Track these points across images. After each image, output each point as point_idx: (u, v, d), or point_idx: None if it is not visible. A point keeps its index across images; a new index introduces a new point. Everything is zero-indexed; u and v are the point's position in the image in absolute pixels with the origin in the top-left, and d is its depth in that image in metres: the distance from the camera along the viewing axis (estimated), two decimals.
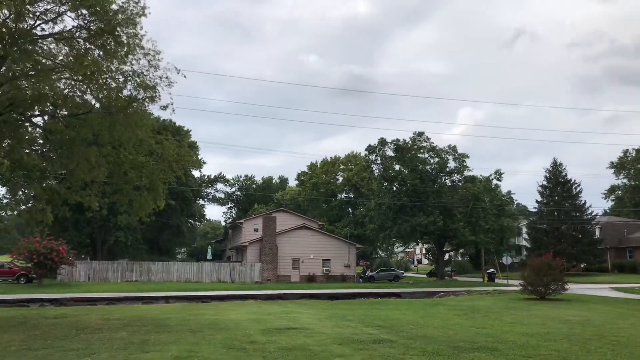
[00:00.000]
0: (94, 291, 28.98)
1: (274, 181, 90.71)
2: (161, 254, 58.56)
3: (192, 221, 68.15)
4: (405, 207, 46.88)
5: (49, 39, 13.56)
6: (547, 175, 55.71)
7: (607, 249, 55.75)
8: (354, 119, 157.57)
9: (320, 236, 47.27)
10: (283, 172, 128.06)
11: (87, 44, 13.57)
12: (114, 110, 13.65)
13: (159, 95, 14.39)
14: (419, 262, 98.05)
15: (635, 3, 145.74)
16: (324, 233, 49.38)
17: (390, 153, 49.35)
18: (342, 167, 73.72)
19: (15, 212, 16.03)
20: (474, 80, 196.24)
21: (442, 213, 45.52)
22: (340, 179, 72.74)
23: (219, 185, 76.14)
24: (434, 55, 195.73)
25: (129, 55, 13.67)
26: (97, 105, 14.38)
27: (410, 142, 48.75)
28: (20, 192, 15.45)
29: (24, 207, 15.68)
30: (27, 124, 14.79)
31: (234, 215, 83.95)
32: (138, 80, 14.05)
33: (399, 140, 48.67)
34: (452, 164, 49.75)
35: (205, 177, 70.45)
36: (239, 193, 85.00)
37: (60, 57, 13.72)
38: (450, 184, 50.48)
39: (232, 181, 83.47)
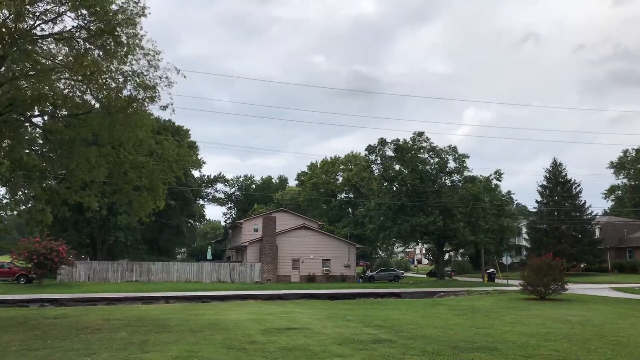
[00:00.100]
0: (93, 291, 28.99)
1: (273, 181, 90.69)
2: (161, 254, 58.57)
3: (192, 221, 68.15)
4: (405, 207, 46.89)
5: (49, 39, 13.56)
6: (547, 175, 55.71)
7: (607, 249, 55.75)
8: (360, 119, 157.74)
9: (320, 236, 47.27)
10: (290, 173, 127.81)
11: (86, 44, 13.56)
12: (113, 111, 13.65)
13: (159, 96, 14.41)
14: (419, 262, 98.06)
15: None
16: (324, 233, 49.38)
17: (390, 153, 49.42)
18: (342, 167, 73.72)
19: (15, 212, 16.03)
20: (479, 80, 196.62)
21: (442, 213, 45.52)
22: (340, 179, 72.74)
23: (219, 186, 76.26)
24: (440, 55, 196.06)
25: (129, 56, 13.67)
26: (97, 105, 14.38)
27: (410, 142, 48.77)
28: (20, 192, 15.45)
29: (23, 207, 15.68)
30: (27, 124, 14.79)
31: (233, 215, 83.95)
32: (138, 81, 14.05)
33: (398, 140, 48.69)
34: (452, 164, 49.80)
35: (205, 177, 70.56)
36: (238, 193, 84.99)
37: (60, 57, 13.72)
38: (450, 184, 50.49)
39: (231, 181, 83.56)
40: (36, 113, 14.62)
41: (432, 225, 44.41)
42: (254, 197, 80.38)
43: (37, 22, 13.12)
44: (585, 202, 54.14)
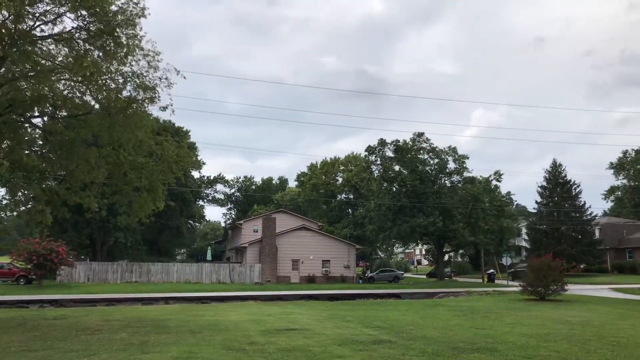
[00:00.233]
0: (93, 292, 28.99)
1: (273, 182, 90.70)
2: (161, 255, 58.53)
3: (191, 222, 68.17)
4: (404, 208, 46.88)
5: (49, 40, 13.57)
6: (547, 176, 55.68)
7: (606, 249, 55.71)
8: (366, 121, 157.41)
9: (319, 237, 47.26)
10: (294, 175, 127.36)
11: (86, 45, 13.58)
12: (113, 111, 13.66)
13: (159, 96, 14.42)
14: (419, 262, 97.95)
15: None
16: (324, 234, 49.37)
17: (390, 154, 49.42)
18: (341, 167, 73.72)
19: (14, 213, 16.04)
20: (486, 81, 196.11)
21: (441, 214, 45.51)
22: (340, 179, 72.73)
23: (219, 186, 76.27)
24: (447, 56, 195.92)
25: (129, 56, 13.68)
26: (97, 106, 14.39)
27: (410, 142, 48.78)
28: (20, 193, 15.44)
29: (23, 208, 15.69)
30: (26, 125, 14.80)
31: (233, 216, 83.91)
32: (137, 81, 14.06)
33: (398, 141, 48.71)
34: (451, 165, 49.81)
35: (205, 178, 70.55)
36: (238, 194, 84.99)
37: (60, 58, 13.73)
38: (449, 185, 50.50)
39: (231, 182, 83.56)
40: (36, 114, 14.63)
41: (432, 226, 44.41)
42: (253, 197, 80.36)
43: (37, 23, 13.13)
44: (585, 203, 54.17)
